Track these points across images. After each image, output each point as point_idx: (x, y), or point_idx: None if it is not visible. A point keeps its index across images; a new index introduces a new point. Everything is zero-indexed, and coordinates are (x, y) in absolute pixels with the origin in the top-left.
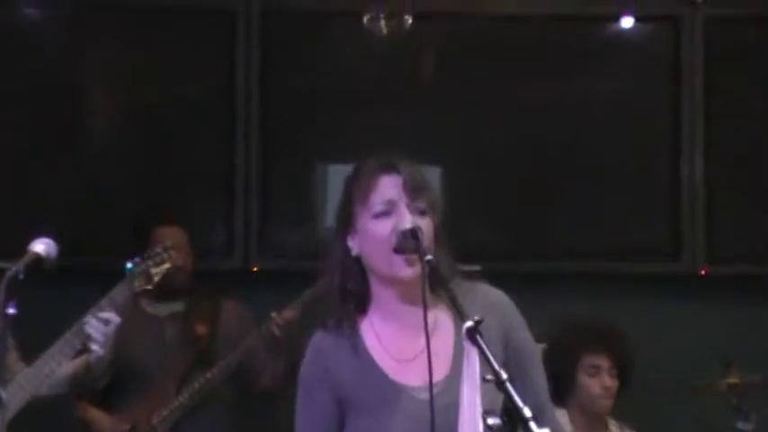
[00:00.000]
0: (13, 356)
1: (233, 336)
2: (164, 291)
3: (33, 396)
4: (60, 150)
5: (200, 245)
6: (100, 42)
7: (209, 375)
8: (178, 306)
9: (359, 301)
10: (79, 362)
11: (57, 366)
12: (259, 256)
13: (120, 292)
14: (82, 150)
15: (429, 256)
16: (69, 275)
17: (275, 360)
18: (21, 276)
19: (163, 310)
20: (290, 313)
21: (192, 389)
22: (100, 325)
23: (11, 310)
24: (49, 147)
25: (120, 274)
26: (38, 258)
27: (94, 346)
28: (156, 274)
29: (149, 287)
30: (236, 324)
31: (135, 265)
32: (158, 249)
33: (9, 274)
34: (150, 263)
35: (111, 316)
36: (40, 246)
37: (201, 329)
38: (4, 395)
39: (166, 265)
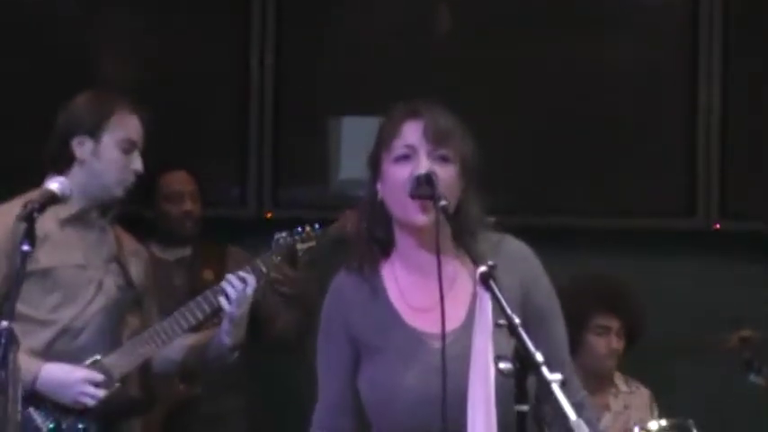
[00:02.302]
0: (153, 308)
1: None
2: (172, 236)
3: (144, 363)
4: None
5: (214, 194)
6: (115, 7)
7: (216, 320)
8: (186, 251)
9: (383, 246)
10: (194, 339)
11: (173, 337)
12: (273, 205)
13: (265, 262)
14: None
15: (443, 203)
16: None
17: (287, 308)
18: (36, 214)
19: (171, 254)
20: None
21: (198, 334)
22: (238, 283)
23: (26, 247)
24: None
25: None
26: (53, 196)
27: (227, 305)
28: (301, 249)
29: (291, 262)
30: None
31: (282, 238)
32: (307, 227)
33: (25, 211)
34: (297, 238)
35: (250, 278)
36: (55, 184)
37: (208, 275)
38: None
39: (312, 243)
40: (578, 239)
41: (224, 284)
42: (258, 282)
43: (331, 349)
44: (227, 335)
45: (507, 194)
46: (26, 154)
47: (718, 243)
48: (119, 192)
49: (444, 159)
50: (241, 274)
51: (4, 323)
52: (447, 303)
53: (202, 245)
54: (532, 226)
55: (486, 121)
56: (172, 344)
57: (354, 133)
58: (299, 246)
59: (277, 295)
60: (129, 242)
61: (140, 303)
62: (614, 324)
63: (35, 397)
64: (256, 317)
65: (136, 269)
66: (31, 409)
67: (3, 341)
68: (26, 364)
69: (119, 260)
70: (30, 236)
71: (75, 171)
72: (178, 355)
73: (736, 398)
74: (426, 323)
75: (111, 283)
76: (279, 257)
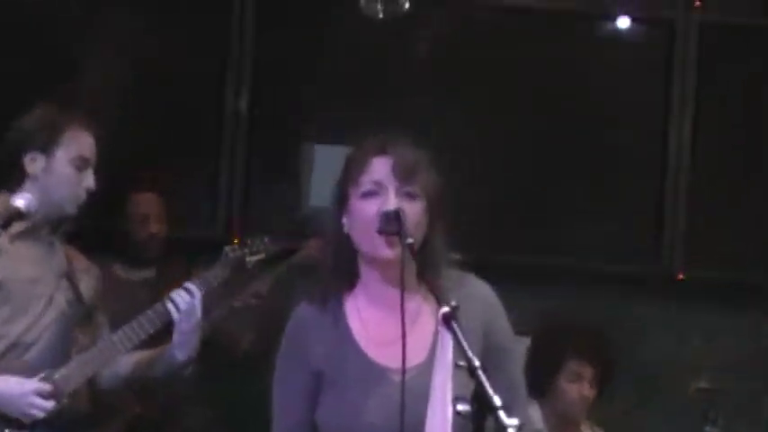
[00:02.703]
0: (103, 324)
1: (204, 305)
2: (137, 257)
3: (88, 379)
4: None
5: (183, 214)
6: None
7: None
8: (150, 272)
9: (347, 279)
10: (142, 355)
11: (122, 351)
12: (242, 230)
13: (214, 274)
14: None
15: (410, 240)
16: None
17: (250, 332)
18: (0, 230)
19: (135, 275)
20: (260, 287)
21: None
22: (184, 294)
23: None
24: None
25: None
26: (18, 212)
27: (176, 316)
28: (250, 262)
29: (240, 273)
30: (208, 294)
31: (231, 250)
32: (257, 239)
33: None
34: (246, 250)
35: (195, 289)
36: (21, 200)
37: None
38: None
39: (261, 255)
40: (546, 279)
41: (172, 296)
42: (202, 293)
43: (290, 379)
44: (177, 349)
45: (477, 232)
46: None
47: (682, 291)
48: (71, 209)
49: (411, 196)
50: (186, 285)
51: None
52: (409, 339)
53: (167, 266)
54: (502, 264)
55: (458, 156)
56: (119, 359)
57: (326, 161)
58: (249, 258)
59: (239, 318)
60: (80, 259)
61: (90, 319)
62: (588, 372)
63: None
64: (219, 342)
65: (86, 285)
66: None
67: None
68: None
69: (69, 276)
70: None
71: (27, 187)
72: (125, 370)
73: None
74: (388, 357)
75: (62, 298)
76: (227, 270)
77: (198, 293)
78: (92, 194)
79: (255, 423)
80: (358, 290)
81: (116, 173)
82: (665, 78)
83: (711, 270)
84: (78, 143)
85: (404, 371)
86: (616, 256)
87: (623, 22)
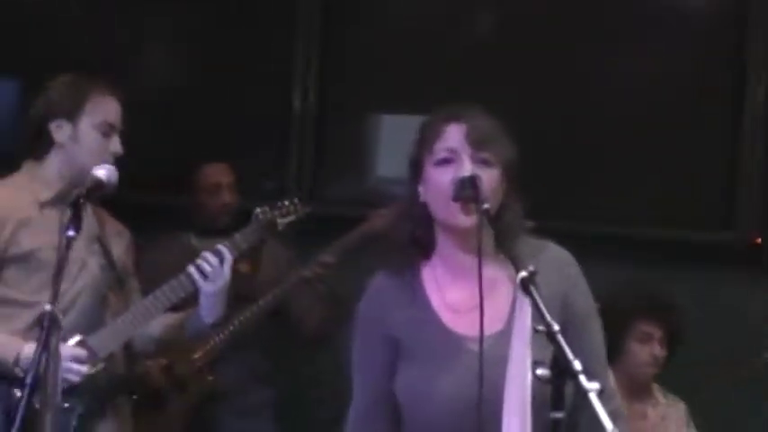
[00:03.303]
0: (135, 289)
1: (274, 276)
2: (210, 227)
3: (123, 346)
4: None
5: (253, 186)
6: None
7: (248, 314)
8: (223, 241)
9: (424, 248)
10: (173, 318)
11: (155, 315)
12: (311, 202)
13: (244, 236)
14: (145, 95)
15: (486, 205)
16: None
17: (319, 308)
18: (83, 200)
19: (208, 245)
20: (327, 258)
21: (232, 326)
22: (213, 258)
23: (71, 233)
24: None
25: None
26: (99, 183)
27: (201, 282)
28: (281, 224)
29: (271, 236)
30: (279, 266)
31: (262, 212)
32: (287, 201)
33: (72, 196)
34: (277, 212)
35: (226, 252)
36: (102, 171)
37: (244, 267)
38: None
39: (292, 217)
40: (614, 247)
41: (199, 261)
42: (233, 255)
43: (367, 351)
44: (205, 311)
45: (546, 200)
46: None
47: (756, 257)
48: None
49: (486, 163)
50: (217, 247)
51: (47, 306)
52: (487, 306)
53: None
54: (570, 231)
55: (525, 127)
56: (152, 322)
57: (393, 131)
58: (280, 220)
59: (308, 293)
60: (112, 223)
61: (122, 283)
62: (658, 332)
63: (19, 377)
64: (287, 316)
65: (117, 249)
66: (16, 390)
67: (45, 324)
68: (7, 344)
69: (101, 240)
70: (76, 221)
71: (53, 155)
72: (157, 332)
73: (761, 421)
74: (466, 326)
75: (94, 262)
76: (258, 233)
77: (228, 255)
78: (166, 170)
79: (321, 400)
80: (435, 259)
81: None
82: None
83: None
84: (103, 109)
85: (482, 339)
86: (690, 223)
87: None
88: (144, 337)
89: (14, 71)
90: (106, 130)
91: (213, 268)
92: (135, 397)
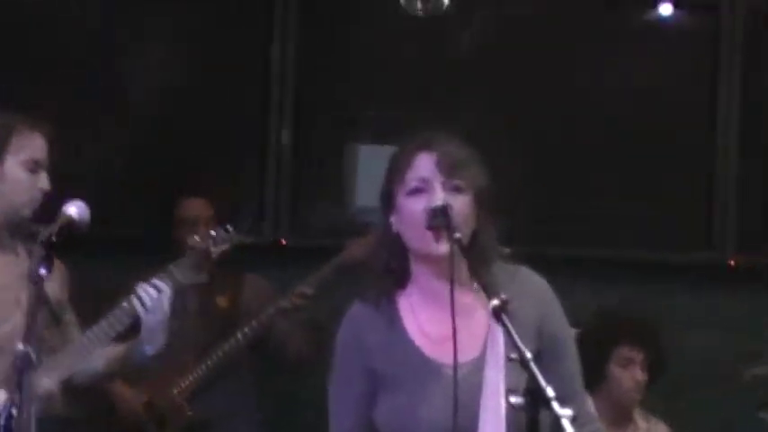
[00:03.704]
0: (72, 323)
1: (254, 309)
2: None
3: (67, 378)
4: (95, 120)
5: (228, 218)
6: (137, 14)
7: (226, 347)
8: (202, 277)
9: (399, 277)
10: (116, 351)
11: (95, 349)
12: (289, 232)
13: (178, 268)
14: (117, 121)
15: (458, 234)
16: (95, 244)
17: (299, 333)
18: (54, 239)
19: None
20: (304, 289)
21: (211, 360)
22: (150, 290)
23: (43, 271)
24: (83, 118)
25: (145, 246)
26: (70, 221)
27: (142, 313)
28: (215, 252)
29: (207, 264)
30: (259, 298)
31: (196, 243)
32: (221, 229)
33: (42, 236)
34: (210, 242)
35: (163, 285)
36: (73, 208)
37: (223, 302)
38: (34, 357)
39: (225, 246)
40: (593, 270)
41: (138, 292)
42: (171, 288)
43: (346, 381)
44: (146, 344)
45: (524, 224)
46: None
47: (733, 276)
48: (26, 212)
49: (458, 189)
50: (153, 281)
51: (21, 347)
52: (463, 334)
53: (219, 271)
54: (548, 256)
55: (502, 150)
56: (93, 356)
57: (370, 161)
58: (213, 249)
59: (287, 320)
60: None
61: (58, 320)
62: (639, 356)
63: None
64: (267, 343)
65: (51, 285)
66: None
67: (19, 364)
68: None
69: (34, 282)
70: (48, 260)
71: None
72: (100, 366)
73: None
74: (444, 354)
75: (26, 300)
76: (191, 262)
77: (166, 289)
78: (148, 202)
79: (303, 428)
80: (410, 288)
81: (168, 181)
82: (712, 64)
83: (764, 255)
84: (28, 146)
85: (455, 366)
86: (664, 245)
87: (665, 9)
88: (87, 371)
89: (14, 69)
90: (33, 167)
91: (152, 301)
92: None
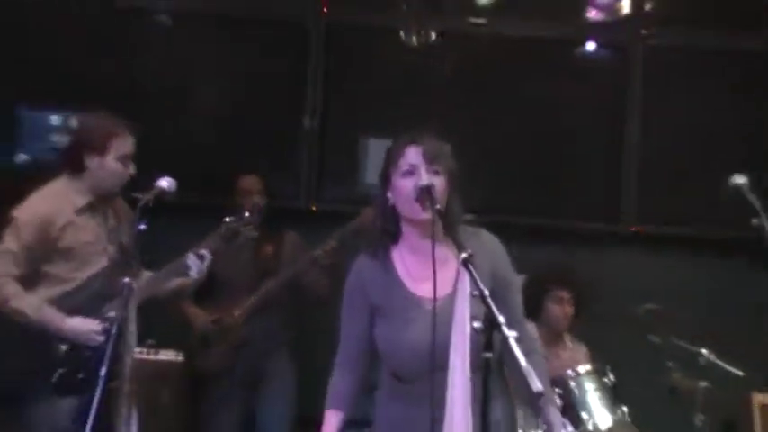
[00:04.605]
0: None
1: (291, 258)
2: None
3: (147, 298)
4: (178, 117)
5: (275, 191)
6: (206, 42)
7: (269, 285)
8: (253, 233)
9: (392, 236)
10: (180, 282)
11: (167, 282)
12: (317, 201)
13: (214, 239)
14: (194, 122)
15: (438, 206)
16: (179, 210)
17: (323, 277)
18: (150, 204)
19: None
20: (330, 243)
21: (258, 294)
22: (197, 260)
23: (142, 227)
24: (170, 114)
25: (216, 214)
26: (162, 191)
27: (192, 273)
28: (242, 232)
29: (235, 239)
30: (295, 250)
31: (230, 221)
32: (248, 214)
33: (141, 202)
34: (240, 223)
35: (206, 253)
36: (165, 182)
37: (268, 251)
38: (135, 287)
39: (251, 227)
40: (534, 234)
41: (188, 262)
42: (209, 255)
43: (352, 311)
44: (193, 285)
45: (489, 198)
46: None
47: (636, 242)
48: (115, 190)
49: (437, 173)
50: (200, 251)
51: (126, 279)
52: (439, 277)
53: (266, 228)
54: (500, 223)
55: (468, 146)
56: (165, 284)
57: (376, 151)
58: (242, 229)
59: (315, 267)
60: (126, 213)
61: (130, 263)
62: (567, 296)
63: (61, 337)
64: (302, 285)
65: (126, 235)
66: (61, 345)
67: (126, 291)
68: (54, 316)
69: (116, 235)
70: (145, 218)
71: (86, 175)
72: (173, 286)
73: (641, 352)
74: (424, 290)
75: (113, 253)
76: (229, 236)
77: (208, 257)
78: (212, 177)
79: (323, 343)
80: (401, 243)
81: (231, 165)
82: (622, 86)
83: (660, 226)
84: (124, 145)
85: (435, 298)
86: (588, 217)
87: (590, 46)
88: (167, 290)
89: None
90: (125, 161)
91: (198, 266)
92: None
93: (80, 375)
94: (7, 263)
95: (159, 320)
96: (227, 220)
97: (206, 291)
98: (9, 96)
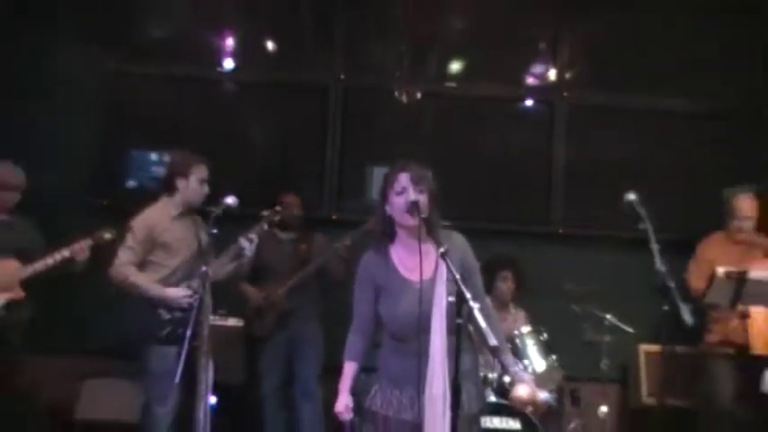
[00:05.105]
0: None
1: (319, 252)
2: (287, 226)
3: (217, 280)
4: (241, 153)
5: (307, 204)
6: (264, 102)
7: (304, 271)
8: (293, 235)
9: (389, 237)
10: (236, 264)
11: (228, 264)
12: (337, 212)
13: (260, 226)
14: (251, 156)
15: (423, 215)
16: (241, 219)
17: (341, 266)
18: (220, 215)
19: (285, 236)
20: (346, 241)
21: (296, 278)
22: (247, 242)
23: (214, 231)
24: (235, 152)
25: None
26: (228, 206)
27: (246, 252)
28: (274, 222)
29: (271, 227)
30: (322, 246)
31: (268, 214)
32: (279, 210)
33: (213, 213)
34: (274, 215)
35: (255, 237)
36: (230, 199)
37: (303, 247)
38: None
39: (279, 217)
40: (486, 235)
41: (242, 244)
42: (256, 238)
43: (362, 291)
44: (246, 264)
45: (459, 210)
46: None
47: (563, 241)
48: (197, 204)
49: (422, 192)
50: (249, 235)
51: (204, 267)
52: (423, 266)
53: (302, 231)
54: (467, 227)
55: (445, 170)
56: (225, 267)
57: (379, 176)
58: (275, 219)
59: (336, 258)
60: (201, 222)
61: (205, 253)
62: (510, 276)
63: (161, 302)
64: (325, 271)
65: (203, 238)
66: (161, 311)
67: (202, 276)
68: (158, 287)
69: (196, 233)
70: (216, 224)
71: (177, 194)
72: (229, 269)
73: (566, 317)
74: (413, 275)
75: (195, 244)
76: (268, 224)
77: (256, 239)
78: (263, 195)
79: (347, 319)
80: (396, 242)
81: (278, 185)
82: (551, 129)
83: (580, 228)
84: (201, 172)
85: (421, 281)
86: (524, 220)
87: (528, 102)
88: (223, 272)
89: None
90: (203, 183)
91: (251, 245)
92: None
93: (179, 331)
94: (129, 254)
95: (226, 296)
96: (264, 213)
97: (258, 276)
98: (126, 142)
